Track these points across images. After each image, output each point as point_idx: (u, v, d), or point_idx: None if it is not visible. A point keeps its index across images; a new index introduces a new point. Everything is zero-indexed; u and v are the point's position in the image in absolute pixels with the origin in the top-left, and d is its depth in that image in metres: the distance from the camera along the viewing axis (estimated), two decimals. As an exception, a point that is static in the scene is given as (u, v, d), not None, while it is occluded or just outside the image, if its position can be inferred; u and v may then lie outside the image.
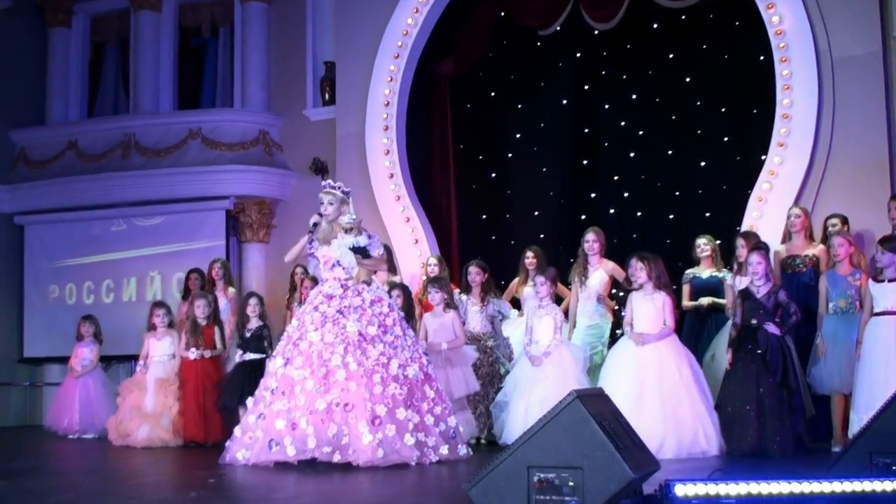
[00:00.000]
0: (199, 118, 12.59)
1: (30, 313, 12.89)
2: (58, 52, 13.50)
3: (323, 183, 7.21)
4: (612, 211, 11.65)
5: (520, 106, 12.17)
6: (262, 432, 6.51)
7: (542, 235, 11.67)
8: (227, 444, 6.87)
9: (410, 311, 8.17)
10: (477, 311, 8.45)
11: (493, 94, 12.21)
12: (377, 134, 11.42)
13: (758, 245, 7.57)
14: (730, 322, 7.57)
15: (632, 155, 11.55)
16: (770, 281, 7.20)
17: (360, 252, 6.86)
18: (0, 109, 13.14)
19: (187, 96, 13.34)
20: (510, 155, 12.29)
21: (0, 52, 13.09)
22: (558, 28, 11.34)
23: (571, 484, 4.02)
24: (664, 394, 6.90)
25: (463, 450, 6.90)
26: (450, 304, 8.11)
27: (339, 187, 7.11)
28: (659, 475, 4.55)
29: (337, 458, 6.22)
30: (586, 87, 11.91)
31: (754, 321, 7.02)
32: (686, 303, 8.59)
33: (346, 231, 6.94)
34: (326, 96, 12.33)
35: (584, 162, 11.86)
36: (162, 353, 8.98)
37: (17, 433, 10.91)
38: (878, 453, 4.75)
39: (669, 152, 11.33)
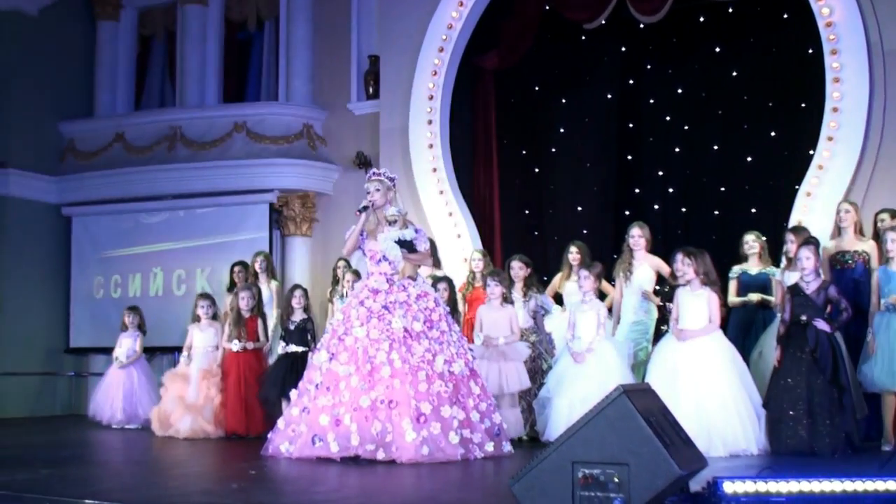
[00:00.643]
0: (244, 111, 12.64)
1: (76, 304, 13.04)
2: (106, 45, 13.64)
3: (368, 172, 7.15)
4: (656, 207, 11.51)
5: (564, 100, 12.06)
6: (306, 427, 6.50)
7: (584, 231, 11.54)
8: (270, 435, 6.86)
9: (454, 305, 8.12)
10: (520, 306, 8.38)
11: (536, 88, 12.13)
12: (421, 128, 11.39)
13: (808, 240, 7.42)
14: (778, 319, 7.43)
15: (677, 150, 11.41)
16: (820, 277, 7.06)
17: (406, 246, 6.80)
18: (50, 101, 13.30)
19: (232, 90, 13.40)
20: (553, 150, 12.17)
21: (50, 45, 13.25)
22: (603, 22, 11.22)
23: (617, 480, 3.96)
24: (704, 391, 6.79)
25: (507, 447, 6.82)
26: (507, 299, 8.05)
27: (384, 173, 7.05)
28: (706, 473, 4.48)
29: (381, 455, 6.18)
30: (631, 82, 11.79)
31: (803, 317, 6.89)
32: (733, 298, 8.45)
33: (391, 223, 6.88)
34: (370, 90, 12.31)
35: (629, 157, 11.75)
36: (205, 344, 9.02)
37: (62, 422, 11.03)
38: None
39: (715, 147, 11.17)
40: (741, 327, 8.37)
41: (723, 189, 11.13)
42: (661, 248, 10.38)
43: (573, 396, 7.34)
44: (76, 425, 10.38)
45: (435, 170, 11.29)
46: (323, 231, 12.48)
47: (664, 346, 7.22)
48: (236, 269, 10.45)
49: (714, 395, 6.80)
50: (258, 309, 9.12)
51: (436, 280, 8.39)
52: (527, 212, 12.24)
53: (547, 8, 11.39)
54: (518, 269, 8.51)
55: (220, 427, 8.68)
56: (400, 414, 6.26)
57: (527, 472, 4.11)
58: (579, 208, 12.01)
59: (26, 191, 12.96)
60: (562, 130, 12.14)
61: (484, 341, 7.80)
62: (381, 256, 6.87)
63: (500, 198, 11.95)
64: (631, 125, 11.77)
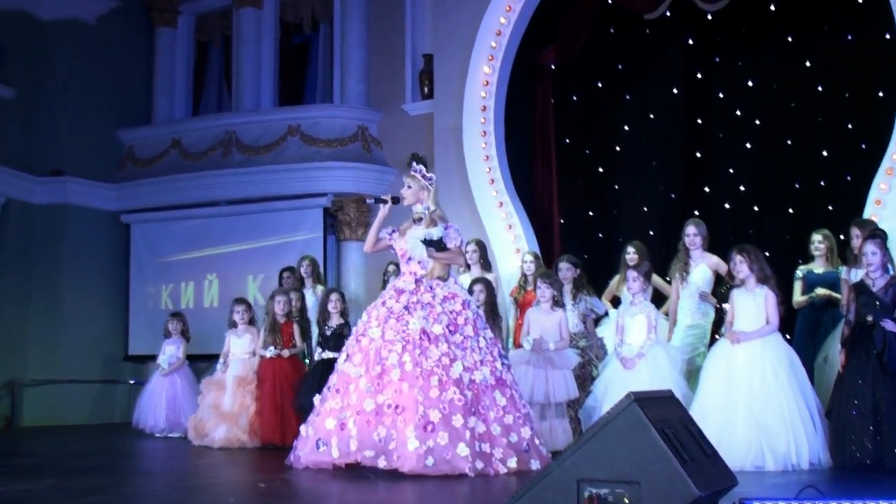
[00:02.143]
0: (297, 115, 12.45)
1: (135, 311, 13.02)
2: (164, 51, 13.64)
3: (412, 166, 6.81)
4: (726, 206, 10.95)
5: (628, 96, 11.55)
6: (313, 431, 6.18)
7: (651, 232, 11.08)
8: (294, 443, 6.53)
9: (493, 308, 7.70)
10: (569, 309, 7.91)
11: (598, 84, 11.63)
12: (474, 127, 11.01)
13: (874, 232, 6.80)
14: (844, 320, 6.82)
15: (748, 146, 10.83)
16: (889, 272, 6.43)
17: (433, 245, 6.41)
18: (108, 109, 13.35)
19: (289, 93, 13.23)
20: (618, 148, 11.66)
21: (108, 53, 13.31)
22: (667, 13, 10.72)
23: (627, 501, 3.51)
24: (758, 399, 6.24)
25: (535, 463, 6.31)
26: (558, 302, 7.60)
27: (420, 171, 6.68)
28: (748, 489, 3.98)
29: (382, 463, 5.80)
30: (699, 76, 11.21)
31: (870, 318, 6.28)
32: (798, 298, 7.91)
33: (415, 221, 6.52)
34: (425, 90, 11.99)
35: (698, 154, 11.19)
36: (241, 350, 8.76)
37: (112, 430, 10.87)
38: None
39: (788, 142, 10.56)
40: (808, 329, 7.85)
41: (797, 185, 10.53)
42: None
43: (620, 405, 6.85)
44: (121, 434, 10.22)
45: (489, 170, 10.90)
46: (379, 235, 12.15)
47: (718, 351, 6.68)
48: (285, 274, 10.22)
49: (769, 403, 6.24)
50: (301, 314, 8.83)
51: (474, 281, 7.98)
52: (591, 213, 11.76)
53: (606, -1, 10.93)
54: (566, 270, 8.06)
55: (256, 436, 8.38)
56: (405, 420, 5.85)
57: (527, 491, 3.69)
58: (645, 208, 11.49)
59: (85, 198, 12.99)
60: (626, 128, 11.62)
61: (534, 346, 7.35)
62: (410, 255, 6.50)
63: (559, 198, 11.50)
64: (700, 121, 11.21)
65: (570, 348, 7.55)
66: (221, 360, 8.90)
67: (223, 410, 8.40)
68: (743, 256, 6.63)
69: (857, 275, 6.84)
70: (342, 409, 6.11)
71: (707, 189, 11.13)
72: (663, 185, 11.40)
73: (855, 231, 7.42)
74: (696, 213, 10.75)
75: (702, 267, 7.93)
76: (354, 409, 6.04)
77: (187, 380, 10.25)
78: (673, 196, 11.31)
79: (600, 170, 11.74)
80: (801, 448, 6.17)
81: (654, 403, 3.62)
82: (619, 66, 11.51)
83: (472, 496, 5.19)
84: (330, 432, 6.07)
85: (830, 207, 10.08)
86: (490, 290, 7.88)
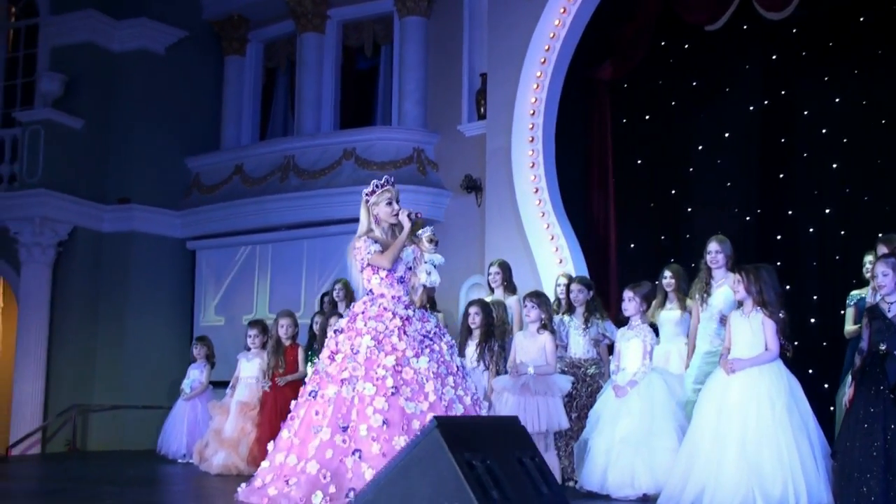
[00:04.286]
0: (353, 138, 12.26)
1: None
2: (232, 79, 13.72)
3: (382, 179, 6.39)
4: (811, 230, 10.10)
5: (701, 114, 10.83)
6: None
7: (727, 257, 10.29)
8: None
9: (490, 330, 7.21)
10: (579, 334, 7.34)
11: (665, 100, 10.97)
12: (523, 146, 10.54)
13: (887, 253, 6.02)
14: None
15: (834, 166, 9.98)
16: (905, 296, 5.66)
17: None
18: (177, 137, 13.50)
19: (352, 117, 13.06)
20: (691, 169, 10.95)
21: (176, 82, 13.48)
22: (724, 22, 10.06)
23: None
24: (749, 435, 5.55)
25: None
26: (546, 326, 7.02)
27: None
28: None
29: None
30: (782, 92, 10.41)
31: (883, 346, 5.51)
32: (849, 328, 7.20)
33: (432, 242, 6.13)
34: (482, 110, 11.60)
35: (780, 175, 10.36)
36: (249, 374, 8.51)
37: (151, 457, 10.67)
38: None
39: (878, 161, 9.68)
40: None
41: (888, 208, 9.58)
42: (816, 273, 9.50)
43: (612, 437, 6.28)
44: (149, 460, 10.06)
45: (537, 190, 10.40)
46: (435, 260, 11.80)
47: (712, 382, 5.99)
48: (325, 298, 9.96)
49: (764, 440, 5.52)
50: (318, 336, 8.54)
51: (470, 304, 7.53)
52: (662, 238, 11.06)
53: (664, 10, 10.31)
54: (577, 292, 7.48)
55: (255, 463, 8.04)
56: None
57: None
58: (718, 232, 10.67)
59: (152, 226, 13.13)
60: (700, 147, 10.91)
61: (512, 371, 6.83)
62: (399, 276, 6.03)
63: (616, 221, 10.89)
64: (782, 140, 10.41)
65: (560, 374, 6.95)
66: (231, 384, 8.68)
67: (223, 436, 8.14)
68: (741, 276, 5.96)
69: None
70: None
71: (790, 212, 10.31)
72: (738, 207, 10.64)
73: (881, 248, 6.63)
74: (779, 237, 10.10)
75: (724, 288, 7.18)
76: None
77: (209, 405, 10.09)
78: (748, 219, 10.55)
79: (673, 192, 11.07)
80: (800, 491, 5.40)
81: (473, 430, 3.09)
82: (692, 82, 10.85)
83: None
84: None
85: (926, 231, 9.16)
86: (487, 312, 7.36)
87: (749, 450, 5.53)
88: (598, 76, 10.92)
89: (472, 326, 7.19)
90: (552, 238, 10.23)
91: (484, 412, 5.85)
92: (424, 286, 6.22)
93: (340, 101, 13.07)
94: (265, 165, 12.79)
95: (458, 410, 5.50)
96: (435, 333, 5.89)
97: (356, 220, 11.74)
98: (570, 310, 7.54)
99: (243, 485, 5.75)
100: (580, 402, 7.04)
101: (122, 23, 13.21)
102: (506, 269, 8.56)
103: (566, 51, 10.54)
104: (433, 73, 12.24)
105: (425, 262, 6.19)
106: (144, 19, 13.19)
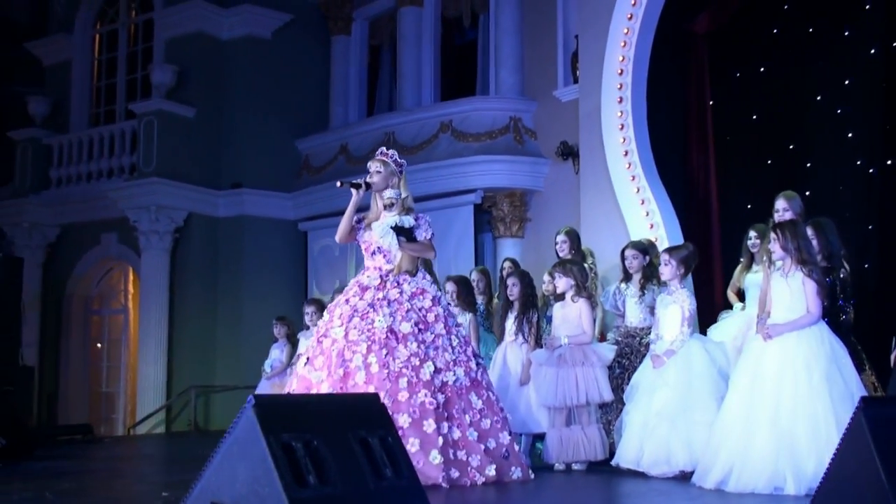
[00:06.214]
0: (450, 110, 12.05)
1: (315, 319, 13.12)
2: (339, 58, 13.73)
3: (378, 151, 6.21)
4: (940, 181, 9.20)
5: (818, 62, 10.01)
6: None
7: (846, 214, 9.48)
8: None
9: (529, 301, 6.83)
10: (635, 302, 6.85)
11: (773, 49, 10.18)
12: (612, 107, 9.99)
13: None
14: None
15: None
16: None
17: (404, 233, 5.74)
18: (287, 120, 13.64)
19: (452, 90, 12.81)
20: (810, 122, 10.15)
21: (284, 66, 13.62)
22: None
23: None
24: (783, 407, 4.97)
25: (517, 472, 5.49)
26: (580, 292, 6.59)
27: (392, 156, 6.08)
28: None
29: None
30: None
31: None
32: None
33: (387, 207, 5.89)
34: (577, 73, 11.12)
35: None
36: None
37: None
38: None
39: None
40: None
41: None
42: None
43: (648, 410, 5.81)
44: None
45: (626, 153, 9.86)
46: (536, 231, 11.48)
47: (749, 349, 5.41)
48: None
49: (799, 412, 4.94)
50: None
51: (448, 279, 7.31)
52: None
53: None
54: (632, 258, 6.96)
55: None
56: None
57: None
58: (840, 188, 9.90)
59: (264, 209, 13.34)
60: (818, 98, 10.08)
61: (548, 344, 6.44)
62: (375, 248, 5.86)
63: (718, 182, 10.21)
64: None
65: (602, 343, 6.51)
66: (294, 362, 8.59)
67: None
68: (776, 234, 5.36)
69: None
70: None
71: (920, 162, 9.41)
72: (861, 159, 9.78)
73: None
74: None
75: (791, 248, 6.54)
76: None
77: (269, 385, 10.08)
78: (871, 171, 9.68)
79: (790, 147, 10.28)
80: (831, 467, 4.83)
81: (303, 409, 2.81)
82: (807, 28, 10.02)
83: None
84: None
85: None
86: (525, 283, 6.95)
87: (782, 423, 4.96)
88: (693, 29, 10.25)
89: (511, 298, 6.84)
90: (643, 202, 9.68)
91: (487, 381, 5.75)
92: (404, 252, 5.89)
93: (441, 75, 12.84)
94: (368, 143, 12.73)
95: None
96: (395, 300, 5.64)
97: (453, 194, 11.68)
98: (627, 277, 7.05)
99: None
100: (630, 372, 6.56)
101: (229, 10, 13.46)
102: (573, 237, 8.11)
103: (655, 4, 9.93)
104: (529, 39, 11.85)
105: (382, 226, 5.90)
106: (250, 5, 13.39)
